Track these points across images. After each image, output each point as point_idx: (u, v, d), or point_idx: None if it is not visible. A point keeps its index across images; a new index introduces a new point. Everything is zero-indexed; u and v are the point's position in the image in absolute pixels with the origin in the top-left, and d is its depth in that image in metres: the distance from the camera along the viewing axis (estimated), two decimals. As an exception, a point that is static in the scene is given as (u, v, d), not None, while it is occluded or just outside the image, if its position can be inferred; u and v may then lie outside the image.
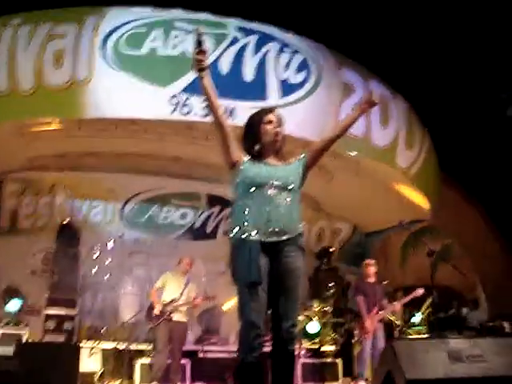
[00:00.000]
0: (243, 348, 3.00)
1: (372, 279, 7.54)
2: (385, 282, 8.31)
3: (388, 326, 8.33)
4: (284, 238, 3.08)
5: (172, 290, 6.92)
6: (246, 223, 3.08)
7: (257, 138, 3.25)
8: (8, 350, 2.90)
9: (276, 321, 3.08)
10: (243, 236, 3.06)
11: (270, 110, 3.37)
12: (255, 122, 3.28)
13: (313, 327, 8.54)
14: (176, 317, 6.82)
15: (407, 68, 11.54)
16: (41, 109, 7.74)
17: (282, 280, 3.07)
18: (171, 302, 6.82)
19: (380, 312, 7.45)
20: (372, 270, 7.54)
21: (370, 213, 10.95)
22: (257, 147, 3.24)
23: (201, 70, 3.10)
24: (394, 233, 11.36)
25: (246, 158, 3.24)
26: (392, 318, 8.39)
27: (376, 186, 10.07)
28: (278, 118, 3.29)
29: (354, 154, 9.10)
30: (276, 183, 3.13)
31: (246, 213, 3.10)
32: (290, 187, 3.16)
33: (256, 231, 3.05)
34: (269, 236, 3.06)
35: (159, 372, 6.66)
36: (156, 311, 6.80)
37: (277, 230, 3.07)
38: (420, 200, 10.48)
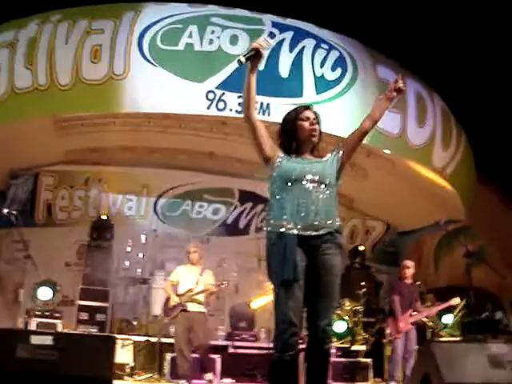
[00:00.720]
0: (279, 346, 2.98)
1: (409, 280, 7.48)
2: (418, 283, 8.21)
3: (420, 328, 8.22)
4: (321, 232, 3.06)
5: (187, 281, 6.83)
6: (283, 217, 3.06)
7: (293, 134, 3.26)
8: (47, 340, 2.92)
9: (312, 319, 3.06)
10: (280, 230, 3.04)
11: (307, 106, 3.38)
12: (292, 118, 3.29)
13: (340, 327, 8.46)
14: (193, 307, 6.69)
15: (444, 66, 11.37)
16: (78, 103, 7.82)
17: (319, 277, 3.05)
18: (187, 292, 6.73)
19: (414, 314, 7.38)
20: (410, 271, 7.47)
21: (404, 212, 10.82)
22: (293, 144, 3.23)
23: (256, 54, 3.11)
24: (427, 233, 11.19)
25: (282, 153, 3.22)
26: (425, 320, 8.27)
27: (410, 185, 9.94)
28: (314, 114, 3.30)
29: (388, 152, 9.00)
30: (313, 177, 3.12)
31: (283, 207, 3.08)
32: (326, 182, 3.15)
33: (293, 225, 3.03)
34: (306, 230, 3.04)
35: (185, 367, 6.57)
36: (171, 303, 6.75)
37: (314, 223, 3.05)
38: (455, 200, 10.29)
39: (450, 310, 8.58)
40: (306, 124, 3.23)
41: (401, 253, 11.37)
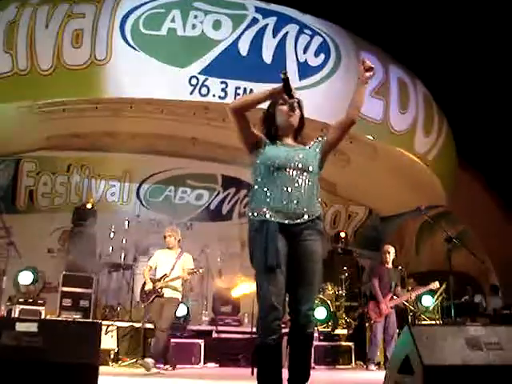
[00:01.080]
0: (262, 330, 3.02)
1: (389, 265, 7.60)
2: (400, 268, 8.33)
3: (401, 312, 8.34)
4: (303, 219, 3.08)
5: (164, 266, 6.73)
6: (265, 204, 3.08)
7: (273, 119, 3.27)
8: (32, 327, 2.92)
9: (294, 304, 3.10)
10: (262, 217, 3.06)
11: None
12: (271, 104, 3.31)
13: (322, 311, 8.54)
14: (168, 293, 6.59)
15: (426, 53, 11.40)
16: (59, 88, 7.74)
17: (300, 263, 3.08)
18: (162, 277, 6.66)
19: (394, 297, 7.50)
20: (390, 256, 7.59)
21: (386, 197, 10.92)
22: (273, 128, 3.26)
23: (288, 90, 3.12)
24: (409, 218, 11.32)
25: (266, 140, 3.24)
26: (406, 304, 8.40)
27: (392, 170, 10.03)
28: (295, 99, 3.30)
29: (371, 138, 9.05)
30: (296, 165, 3.14)
31: (266, 194, 3.10)
32: (309, 169, 3.16)
33: (275, 212, 3.06)
34: (288, 217, 3.06)
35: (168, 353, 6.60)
36: (147, 288, 6.67)
37: (296, 211, 3.07)
38: (436, 186, 10.41)
39: (430, 292, 8.71)
40: (285, 107, 3.25)
41: (383, 238, 11.51)
